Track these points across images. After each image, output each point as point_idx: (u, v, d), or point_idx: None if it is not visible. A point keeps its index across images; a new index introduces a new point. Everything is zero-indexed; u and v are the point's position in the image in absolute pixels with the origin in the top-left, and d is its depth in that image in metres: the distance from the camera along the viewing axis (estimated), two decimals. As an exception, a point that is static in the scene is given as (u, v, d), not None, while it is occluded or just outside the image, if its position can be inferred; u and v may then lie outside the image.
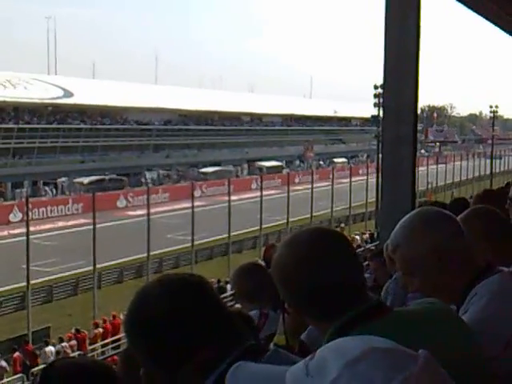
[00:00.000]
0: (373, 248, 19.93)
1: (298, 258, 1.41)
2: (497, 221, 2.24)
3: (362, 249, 24.99)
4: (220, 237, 31.14)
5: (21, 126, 51.69)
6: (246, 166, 68.25)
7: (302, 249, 1.42)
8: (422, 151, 77.98)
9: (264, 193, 32.28)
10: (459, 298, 1.76)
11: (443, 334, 1.42)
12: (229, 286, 24.35)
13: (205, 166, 62.31)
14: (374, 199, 33.35)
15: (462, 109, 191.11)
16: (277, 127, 77.32)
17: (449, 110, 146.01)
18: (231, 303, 10.71)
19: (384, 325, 1.36)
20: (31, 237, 22.02)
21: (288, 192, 32.71)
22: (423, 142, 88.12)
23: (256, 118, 76.57)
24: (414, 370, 0.96)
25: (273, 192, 42.71)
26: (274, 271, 1.45)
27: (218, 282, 24.22)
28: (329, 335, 1.38)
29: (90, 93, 58.63)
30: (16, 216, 38.12)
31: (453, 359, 1.32)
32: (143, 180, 56.61)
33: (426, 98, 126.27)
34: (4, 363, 17.29)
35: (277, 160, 69.53)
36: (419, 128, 67.77)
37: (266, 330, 2.81)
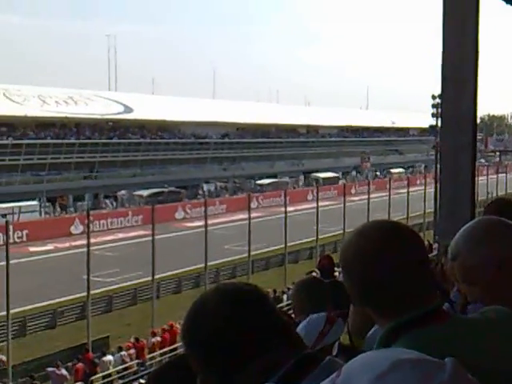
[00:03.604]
0: (432, 258, 19.57)
1: (362, 248, 1.40)
2: None
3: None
4: (276, 247, 31.16)
5: (82, 141, 52.94)
6: (302, 177, 68.12)
7: (369, 239, 1.40)
8: (482, 160, 76.37)
9: (320, 204, 32.17)
10: None
11: (505, 343, 1.38)
12: (285, 297, 24.33)
13: (261, 178, 62.51)
14: (432, 209, 32.84)
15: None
16: (333, 139, 76.98)
17: (509, 119, 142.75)
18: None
19: (440, 331, 1.34)
20: (92, 248, 22.45)
21: (344, 203, 32.53)
22: (483, 152, 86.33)
23: (312, 130, 76.45)
24: (444, 379, 0.95)
25: (329, 203, 42.52)
26: (340, 259, 1.45)
27: (274, 292, 24.21)
28: (382, 335, 1.38)
29: (149, 108, 59.65)
30: (77, 228, 38.96)
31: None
32: (201, 192, 57.13)
33: (486, 106, 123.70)
34: (65, 371, 17.51)
35: (333, 171, 69.18)
36: (479, 137, 66.40)
37: (331, 337, 2.79)
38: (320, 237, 31.20)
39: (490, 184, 47.46)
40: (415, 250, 1.42)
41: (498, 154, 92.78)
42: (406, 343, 1.27)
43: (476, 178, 5.58)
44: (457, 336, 1.35)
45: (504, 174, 54.28)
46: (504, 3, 6.20)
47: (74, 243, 33.57)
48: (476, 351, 1.28)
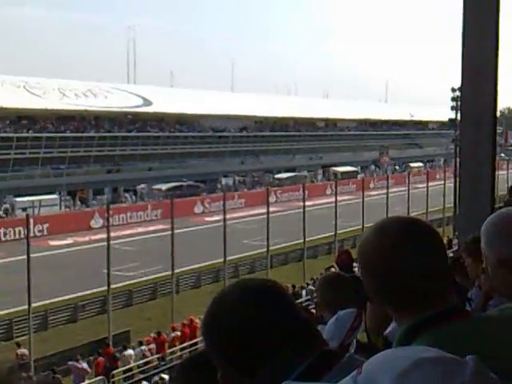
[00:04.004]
0: (451, 254, 19.47)
1: (380, 244, 1.39)
2: None
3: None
4: (295, 242, 31.14)
5: (101, 134, 53.23)
6: (320, 171, 67.97)
7: (387, 235, 1.40)
8: (502, 155, 75.58)
9: (339, 198, 32.07)
10: None
11: None
12: (304, 292, 24.33)
13: (280, 172, 62.47)
14: (452, 204, 32.61)
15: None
16: (352, 132, 76.68)
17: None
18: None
19: (459, 329, 1.34)
20: (112, 242, 22.56)
21: (363, 197, 32.40)
22: (503, 146, 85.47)
23: (331, 124, 76.17)
24: (466, 376, 0.95)
25: (347, 197, 42.39)
26: (358, 254, 1.44)
27: (293, 287, 24.21)
28: (402, 333, 1.38)
29: (167, 101, 59.81)
30: (97, 222, 39.23)
31: None
32: (219, 186, 57.23)
33: (507, 100, 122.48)
34: (85, 365, 17.60)
35: (352, 165, 68.93)
36: (499, 131, 65.91)
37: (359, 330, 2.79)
38: (338, 232, 31.14)
39: (511, 178, 47.00)
40: (433, 247, 1.40)
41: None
42: (424, 341, 1.26)
43: (496, 173, 5.53)
44: (476, 334, 1.34)
45: (525, 168, 53.57)
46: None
47: (93, 237, 33.82)
48: (495, 349, 1.27)
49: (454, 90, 39.83)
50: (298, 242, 30.25)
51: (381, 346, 2.10)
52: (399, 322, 1.43)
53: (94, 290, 24.66)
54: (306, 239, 29.24)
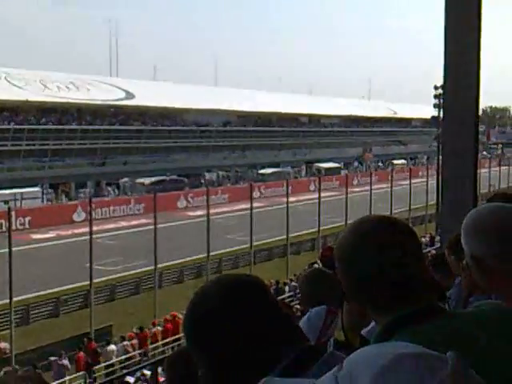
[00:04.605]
0: (433, 251, 19.61)
1: (356, 243, 1.41)
2: None
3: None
4: (278, 238, 31.18)
5: (83, 127, 52.87)
6: (304, 167, 68.06)
7: (363, 233, 1.41)
8: (484, 153, 76.20)
9: (322, 194, 32.13)
10: None
11: (498, 336, 1.37)
12: (287, 288, 24.39)
13: (263, 168, 62.46)
14: (435, 202, 32.81)
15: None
16: (335, 128, 76.83)
17: (511, 111, 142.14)
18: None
19: (435, 326, 1.35)
20: (94, 236, 22.48)
21: (346, 194, 32.48)
22: (485, 144, 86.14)
23: (314, 120, 76.27)
24: (446, 372, 0.95)
25: (331, 194, 42.50)
26: (335, 253, 1.46)
27: (277, 283, 24.25)
28: (379, 331, 1.40)
29: (150, 95, 59.50)
30: (79, 216, 39.01)
31: (509, 361, 1.33)
32: (203, 181, 57.14)
33: (488, 98, 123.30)
34: (66, 361, 17.43)
35: (335, 161, 69.09)
36: (481, 129, 66.35)
37: (334, 329, 2.82)
38: (322, 228, 31.18)
39: (493, 177, 47.40)
40: (410, 246, 1.41)
41: (500, 146, 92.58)
42: (401, 339, 1.26)
43: (478, 171, 5.57)
44: (451, 331, 1.35)
45: (506, 167, 54.09)
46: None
47: (76, 231, 33.62)
48: (468, 346, 1.27)
49: (436, 88, 40.04)
50: (281, 237, 30.28)
51: (358, 344, 2.12)
52: (377, 321, 1.44)
53: (77, 285, 24.49)
54: (290, 235, 29.27)
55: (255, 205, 29.44)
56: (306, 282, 3.40)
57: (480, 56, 5.13)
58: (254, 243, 27.60)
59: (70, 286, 24.99)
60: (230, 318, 1.24)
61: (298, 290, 18.52)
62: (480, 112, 6.08)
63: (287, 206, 29.06)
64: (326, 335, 2.78)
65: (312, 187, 50.38)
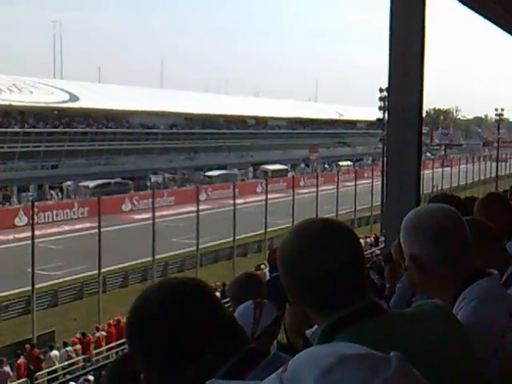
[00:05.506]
0: (378, 251, 19.91)
1: (296, 246, 1.41)
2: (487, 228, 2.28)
3: (367, 252, 24.93)
4: (225, 240, 31.15)
5: (26, 129, 51.87)
6: (251, 169, 68.25)
7: (303, 236, 1.42)
8: (428, 154, 77.82)
9: (269, 196, 32.29)
10: (450, 302, 1.75)
11: (437, 334, 1.41)
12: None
13: (210, 170, 62.35)
14: (380, 203, 33.28)
15: (467, 112, 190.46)
16: (282, 131, 77.31)
17: (454, 113, 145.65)
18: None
19: (375, 326, 1.36)
20: (37, 240, 22.06)
21: (293, 195, 32.71)
22: (428, 145, 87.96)
23: (261, 122, 76.58)
24: (390, 372, 0.96)
25: (278, 195, 42.69)
26: (277, 256, 1.45)
27: (224, 285, 24.16)
28: (320, 333, 1.39)
29: (95, 97, 58.82)
30: (21, 220, 38.18)
31: (448, 358, 1.38)
32: (148, 184, 56.67)
33: (432, 100, 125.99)
34: (7, 368, 17.09)
35: (282, 163, 69.49)
36: (424, 131, 67.72)
37: (265, 320, 2.81)
38: (269, 230, 31.34)
39: (436, 177, 48.36)
40: (349, 249, 1.43)
41: (443, 147, 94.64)
42: (343, 340, 1.28)
43: (421, 172, 5.65)
44: (390, 331, 1.36)
45: (449, 168, 55.23)
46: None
47: (18, 235, 32.91)
48: (408, 346, 1.28)
49: (381, 91, 40.63)
50: (228, 240, 30.26)
51: (300, 346, 2.12)
52: (317, 322, 1.44)
53: (18, 290, 23.99)
54: (236, 237, 29.28)
55: (202, 207, 29.38)
56: (232, 286, 3.40)
57: (423, 60, 5.22)
58: (201, 246, 27.51)
59: (12, 292, 24.44)
60: (171, 322, 1.23)
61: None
62: (424, 114, 6.15)
63: (234, 208, 29.08)
64: (259, 328, 2.78)
65: (259, 189, 50.48)
